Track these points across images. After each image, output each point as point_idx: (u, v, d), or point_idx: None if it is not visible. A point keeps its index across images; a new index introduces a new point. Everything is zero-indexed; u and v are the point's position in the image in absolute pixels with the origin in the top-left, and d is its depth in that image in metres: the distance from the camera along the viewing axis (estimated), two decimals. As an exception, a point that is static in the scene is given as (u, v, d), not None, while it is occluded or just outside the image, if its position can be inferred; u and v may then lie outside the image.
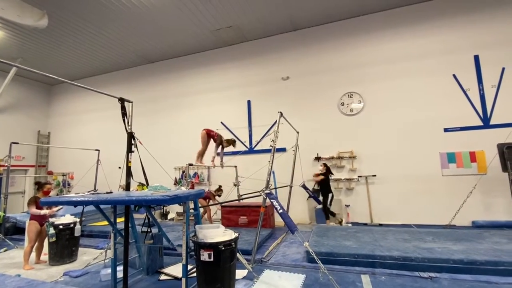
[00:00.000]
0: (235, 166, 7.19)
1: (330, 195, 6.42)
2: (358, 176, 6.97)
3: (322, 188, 6.48)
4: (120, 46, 8.66)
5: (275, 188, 6.89)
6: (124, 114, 3.44)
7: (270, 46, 8.30)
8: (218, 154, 5.58)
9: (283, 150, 7.29)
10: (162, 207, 8.20)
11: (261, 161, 7.09)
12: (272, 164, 4.44)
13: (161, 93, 9.60)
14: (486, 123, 6.21)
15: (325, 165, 6.66)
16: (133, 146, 3.47)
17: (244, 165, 7.41)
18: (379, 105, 7.05)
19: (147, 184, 3.78)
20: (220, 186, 7.03)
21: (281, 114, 4.90)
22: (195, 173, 8.53)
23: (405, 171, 6.59)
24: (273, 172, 7.17)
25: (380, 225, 6.40)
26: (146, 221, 3.77)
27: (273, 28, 7.96)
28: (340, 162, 7.15)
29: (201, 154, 5.32)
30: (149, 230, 3.77)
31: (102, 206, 3.31)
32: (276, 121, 4.86)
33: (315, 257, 3.32)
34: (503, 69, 6.20)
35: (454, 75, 6.53)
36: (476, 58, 6.41)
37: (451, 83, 6.54)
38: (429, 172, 6.41)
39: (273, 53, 8.24)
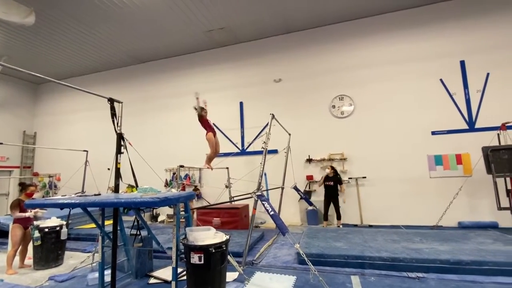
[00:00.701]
0: (227, 168, 7.18)
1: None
2: (349, 178, 7.06)
3: (333, 191, 6.56)
4: (111, 45, 8.52)
5: (267, 190, 6.89)
6: (113, 114, 3.38)
7: (263, 48, 8.33)
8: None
9: (275, 151, 7.31)
10: (151, 209, 8.09)
11: (253, 162, 7.10)
12: (263, 166, 4.45)
13: (152, 94, 9.49)
14: (471, 126, 6.40)
15: (332, 167, 6.71)
16: (122, 147, 3.41)
17: (236, 167, 7.40)
18: (369, 108, 7.16)
19: (137, 186, 3.71)
20: (196, 186, 7.02)
21: (273, 116, 4.92)
22: (186, 175, 8.45)
23: (394, 173, 6.71)
24: (265, 174, 7.18)
25: (370, 226, 6.49)
26: (135, 223, 3.71)
27: (265, 31, 8.00)
28: (331, 164, 7.21)
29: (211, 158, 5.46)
30: (138, 232, 3.70)
31: (89, 209, 3.23)
32: (268, 123, 4.87)
33: (306, 258, 3.34)
34: (488, 74, 6.41)
35: (441, 80, 6.71)
36: (462, 63, 6.61)
37: (438, 87, 6.71)
38: (417, 174, 6.55)
39: (266, 55, 8.28)
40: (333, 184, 6.55)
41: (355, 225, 6.67)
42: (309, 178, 7.34)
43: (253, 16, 7.21)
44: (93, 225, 6.16)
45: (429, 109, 6.69)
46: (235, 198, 6.22)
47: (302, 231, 5.60)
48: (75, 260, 4.68)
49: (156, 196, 2.64)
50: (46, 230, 4.40)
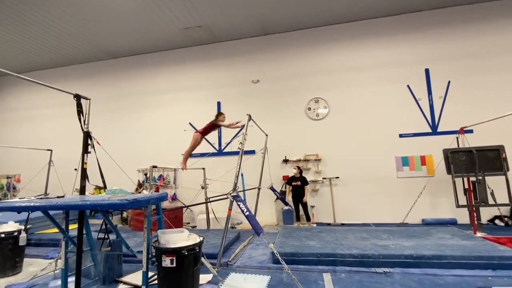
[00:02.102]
0: (203, 168, 7.07)
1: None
2: (323, 178, 7.27)
3: (301, 191, 6.62)
4: (81, 39, 8.06)
5: (244, 191, 6.89)
6: (80, 112, 3.19)
7: (241, 49, 8.33)
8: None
9: (252, 152, 7.33)
10: (121, 211, 7.75)
11: (230, 163, 7.03)
12: (240, 166, 4.44)
13: (124, 91, 9.10)
14: (434, 130, 6.88)
15: (298, 167, 6.83)
16: (89, 147, 3.24)
17: (213, 167, 7.31)
18: (342, 111, 7.44)
19: (105, 187, 3.54)
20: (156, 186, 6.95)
21: (250, 117, 4.92)
22: (161, 176, 8.20)
23: (365, 173, 7.02)
24: (242, 175, 7.18)
25: (343, 224, 6.72)
26: (103, 227, 3.53)
27: (244, 31, 8.01)
28: (307, 164, 7.39)
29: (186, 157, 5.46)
30: (106, 236, 3.52)
31: (53, 212, 3.02)
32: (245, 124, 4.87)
33: (279, 257, 3.38)
34: (449, 82, 6.93)
35: (408, 86, 7.14)
36: (427, 71, 7.08)
37: (405, 93, 7.14)
38: (386, 174, 6.91)
39: (244, 55, 8.28)
40: (300, 184, 6.70)
41: (328, 224, 6.88)
42: (286, 178, 7.44)
43: (231, 16, 7.18)
44: (57, 230, 5.77)
45: (397, 113, 7.09)
46: (211, 199, 6.14)
47: (277, 231, 5.66)
48: (35, 267, 4.34)
49: (124, 198, 2.53)
50: (2, 235, 4.04)
